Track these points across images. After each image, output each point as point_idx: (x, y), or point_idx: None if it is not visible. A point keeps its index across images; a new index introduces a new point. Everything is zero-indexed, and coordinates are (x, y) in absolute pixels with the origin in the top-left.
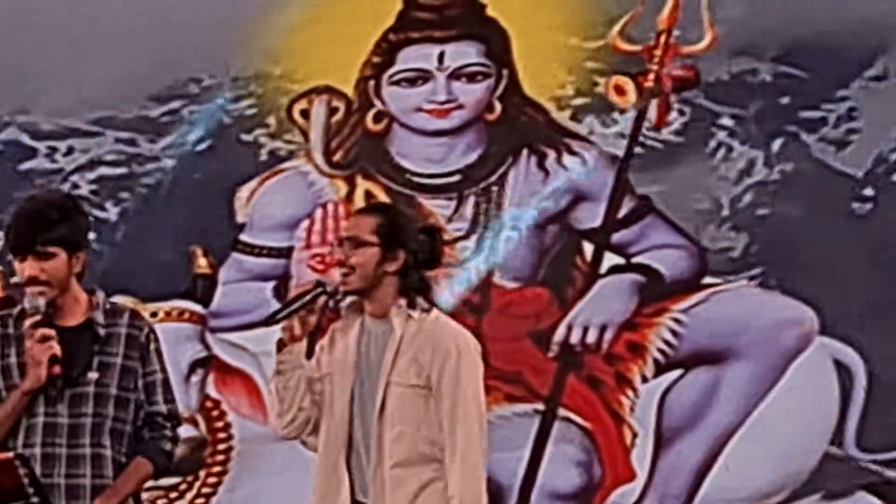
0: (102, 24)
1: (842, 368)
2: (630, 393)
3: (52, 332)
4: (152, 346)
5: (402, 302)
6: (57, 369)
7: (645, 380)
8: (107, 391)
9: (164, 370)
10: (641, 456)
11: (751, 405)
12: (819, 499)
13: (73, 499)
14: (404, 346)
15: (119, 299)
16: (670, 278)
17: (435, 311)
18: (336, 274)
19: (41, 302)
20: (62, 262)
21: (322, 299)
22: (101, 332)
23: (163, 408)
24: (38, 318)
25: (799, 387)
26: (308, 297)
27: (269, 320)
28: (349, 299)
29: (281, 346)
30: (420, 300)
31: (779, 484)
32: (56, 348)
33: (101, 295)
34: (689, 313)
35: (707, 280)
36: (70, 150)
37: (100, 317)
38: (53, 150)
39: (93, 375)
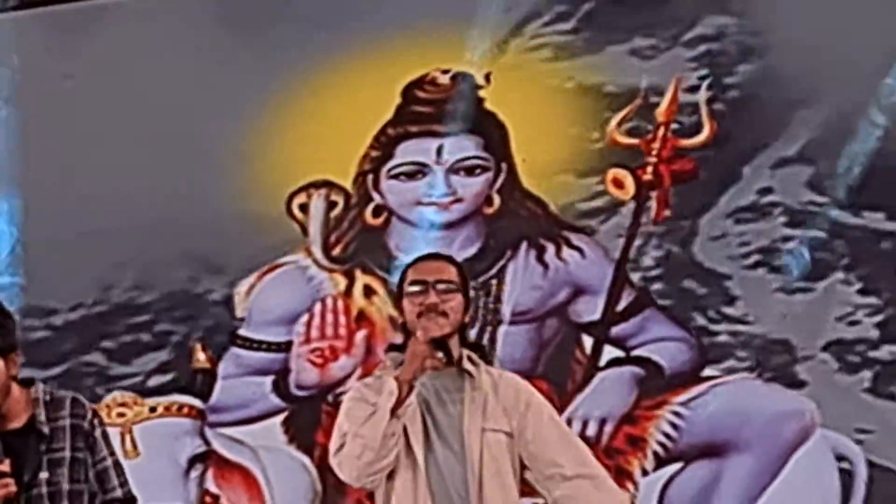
0: None
1: (842, 461)
2: (630, 486)
3: (6, 469)
4: (97, 432)
5: (467, 353)
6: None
7: (645, 473)
8: (59, 488)
9: (112, 453)
10: None
11: (752, 498)
12: None
13: None
14: (487, 393)
15: (117, 395)
16: (670, 371)
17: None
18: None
19: None
20: (1, 369)
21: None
22: (45, 429)
23: (118, 492)
24: None
25: (800, 480)
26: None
27: None
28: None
29: (401, 390)
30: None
31: None
32: (11, 484)
33: (39, 386)
34: (689, 406)
35: (707, 372)
36: None
37: (42, 414)
38: None
39: (43, 476)
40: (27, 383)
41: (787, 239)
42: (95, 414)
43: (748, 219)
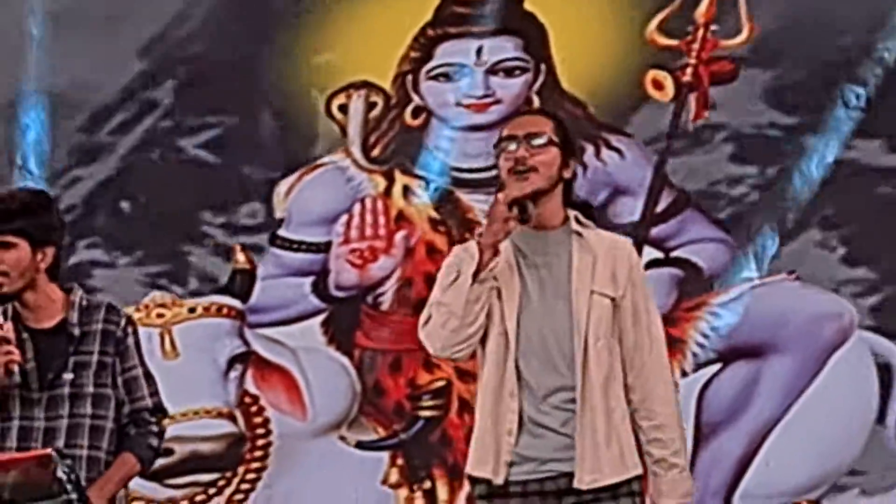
0: None
1: (881, 362)
2: None
3: (9, 336)
4: (130, 340)
5: (574, 213)
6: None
7: (684, 374)
8: (82, 391)
9: (143, 363)
10: None
11: (790, 400)
12: (858, 493)
13: None
14: (597, 256)
15: (157, 295)
16: (709, 272)
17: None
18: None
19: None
20: (25, 254)
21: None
22: (76, 331)
23: (148, 402)
24: None
25: (838, 381)
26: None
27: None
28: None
29: (482, 250)
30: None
31: (818, 479)
32: (14, 354)
33: (78, 293)
34: (729, 307)
35: (746, 274)
36: None
37: (74, 316)
38: None
39: (68, 377)
40: (66, 291)
41: None
42: (129, 322)
43: None
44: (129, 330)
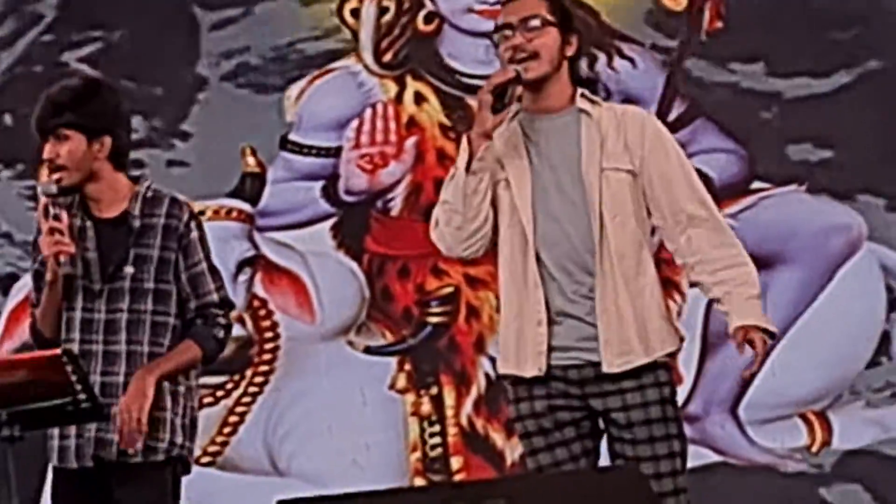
0: None
1: (890, 274)
2: (678, 297)
3: (60, 227)
4: (193, 235)
5: (581, 91)
6: (61, 266)
7: (693, 284)
8: (143, 286)
9: (208, 258)
10: (688, 360)
11: (798, 311)
12: (863, 405)
13: (107, 397)
14: (606, 130)
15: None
16: (719, 182)
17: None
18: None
19: (53, 187)
20: (79, 146)
21: (518, 89)
22: (136, 223)
23: (214, 297)
24: (47, 201)
25: (846, 293)
26: (509, 87)
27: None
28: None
29: (470, 142)
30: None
31: (824, 390)
32: (64, 244)
33: (145, 183)
34: (738, 218)
35: (756, 185)
36: None
37: (136, 207)
38: None
39: (129, 270)
40: (133, 181)
41: None
42: (193, 216)
43: None
44: (193, 224)
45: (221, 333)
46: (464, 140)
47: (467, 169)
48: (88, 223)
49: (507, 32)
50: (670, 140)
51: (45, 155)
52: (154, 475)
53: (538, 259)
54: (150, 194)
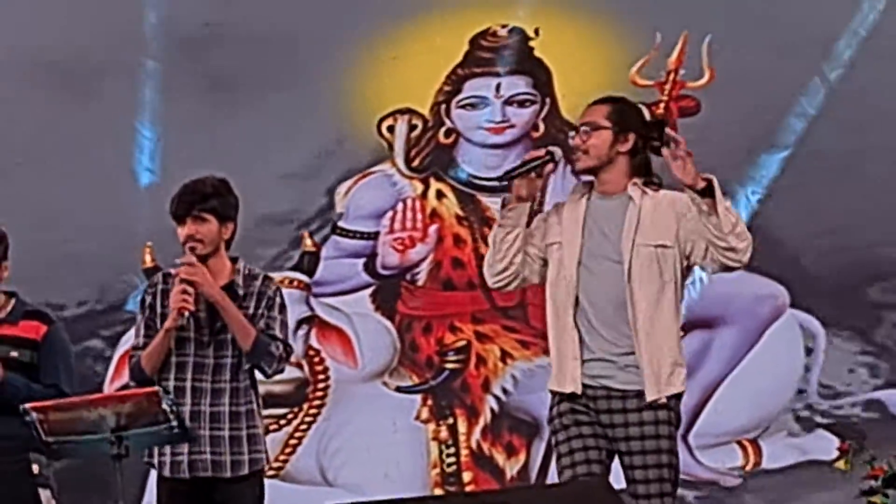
0: None
1: (807, 334)
2: None
3: (191, 289)
4: (277, 300)
5: (637, 180)
6: (180, 316)
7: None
8: None
9: (282, 316)
10: None
11: (736, 361)
12: (786, 435)
13: (215, 422)
14: (644, 213)
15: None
16: None
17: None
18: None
19: (193, 257)
20: (214, 228)
21: (549, 167)
22: (241, 291)
23: (279, 334)
24: (189, 261)
25: (773, 347)
26: (538, 163)
27: (502, 177)
28: (579, 180)
29: (504, 204)
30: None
31: (756, 422)
32: (189, 302)
33: (241, 263)
34: (687, 288)
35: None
36: None
37: (240, 279)
38: None
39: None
40: (233, 261)
41: None
42: (279, 289)
43: None
44: (279, 293)
45: (276, 352)
46: (502, 201)
47: (499, 222)
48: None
49: (573, 133)
50: (687, 202)
51: (187, 232)
52: (253, 483)
53: (576, 304)
54: (247, 271)
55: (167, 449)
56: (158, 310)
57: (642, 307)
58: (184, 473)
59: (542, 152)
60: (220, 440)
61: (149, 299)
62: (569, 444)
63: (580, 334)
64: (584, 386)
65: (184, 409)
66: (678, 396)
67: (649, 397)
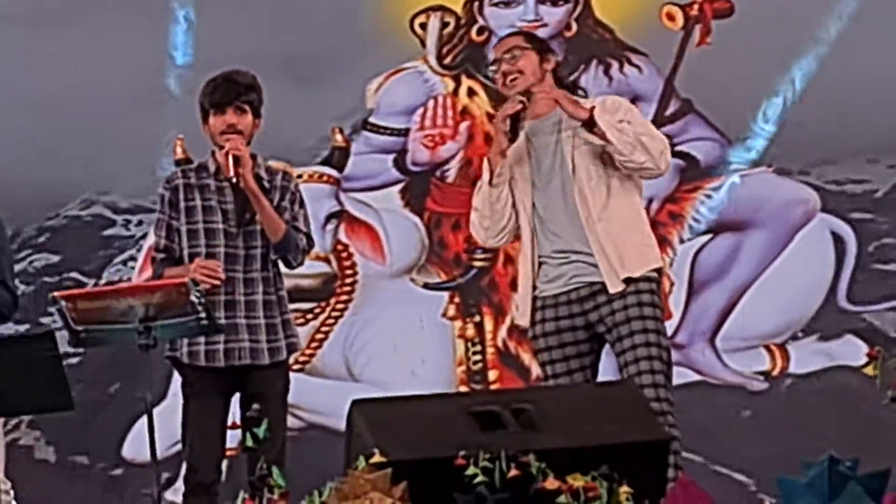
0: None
1: (837, 238)
2: (670, 251)
3: (219, 275)
4: (299, 195)
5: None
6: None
7: (682, 241)
8: None
9: (305, 210)
10: (677, 301)
11: (764, 265)
12: (815, 339)
13: (251, 310)
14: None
15: (274, 163)
16: (704, 164)
17: None
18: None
19: (241, 140)
20: (250, 121)
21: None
22: (266, 184)
23: (302, 227)
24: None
25: (803, 252)
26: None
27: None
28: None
29: (491, 166)
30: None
31: (783, 327)
32: (214, 280)
33: (260, 158)
34: (719, 191)
35: (734, 166)
36: (140, 223)
37: (263, 173)
38: (128, 221)
39: (259, 218)
40: (253, 157)
41: None
42: (297, 184)
43: None
44: (297, 187)
45: (301, 244)
46: (485, 160)
47: (490, 183)
48: (225, 183)
49: (497, 66)
50: (625, 103)
51: (229, 120)
52: (283, 372)
53: (534, 236)
54: (266, 165)
55: (201, 339)
56: (181, 205)
57: (596, 201)
58: (219, 362)
59: (517, 104)
60: (257, 328)
61: (168, 195)
62: (549, 353)
63: (543, 253)
64: (567, 290)
65: (219, 299)
66: (658, 272)
67: (612, 289)
